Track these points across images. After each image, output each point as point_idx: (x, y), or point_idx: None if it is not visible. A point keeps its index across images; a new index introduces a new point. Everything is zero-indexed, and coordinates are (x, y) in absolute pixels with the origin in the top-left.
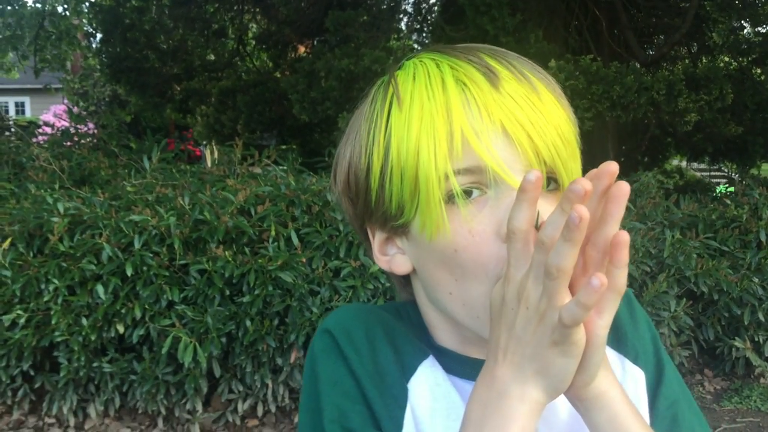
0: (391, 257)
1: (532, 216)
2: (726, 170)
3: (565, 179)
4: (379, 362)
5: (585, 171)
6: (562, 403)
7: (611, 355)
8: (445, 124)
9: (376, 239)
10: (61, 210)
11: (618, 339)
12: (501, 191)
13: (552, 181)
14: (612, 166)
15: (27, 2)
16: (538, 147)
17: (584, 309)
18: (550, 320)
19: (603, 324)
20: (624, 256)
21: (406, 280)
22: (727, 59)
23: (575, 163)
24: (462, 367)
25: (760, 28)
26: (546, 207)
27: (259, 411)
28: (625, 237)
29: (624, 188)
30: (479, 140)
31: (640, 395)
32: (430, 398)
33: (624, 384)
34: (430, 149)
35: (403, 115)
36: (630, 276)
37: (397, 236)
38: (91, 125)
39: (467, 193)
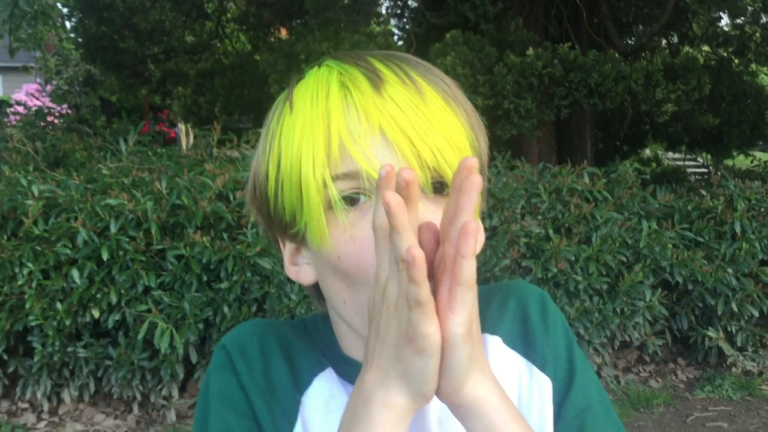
0: (299, 267)
1: None
2: (701, 160)
3: None
4: (271, 377)
5: (565, 159)
6: (433, 410)
7: (519, 362)
8: (324, 129)
9: (287, 249)
10: (36, 193)
11: (527, 345)
12: None
13: (445, 186)
14: (469, 161)
15: None
16: (420, 151)
17: (415, 284)
18: (404, 314)
19: (458, 320)
20: (470, 245)
21: (319, 291)
22: (706, 49)
23: None
24: None
25: (738, 20)
26: (438, 213)
27: None
28: (472, 226)
29: (475, 180)
30: (356, 144)
31: (546, 404)
32: (324, 411)
33: (530, 392)
34: (309, 155)
35: (291, 121)
36: (606, 265)
37: (303, 246)
38: (65, 105)
39: (353, 199)
